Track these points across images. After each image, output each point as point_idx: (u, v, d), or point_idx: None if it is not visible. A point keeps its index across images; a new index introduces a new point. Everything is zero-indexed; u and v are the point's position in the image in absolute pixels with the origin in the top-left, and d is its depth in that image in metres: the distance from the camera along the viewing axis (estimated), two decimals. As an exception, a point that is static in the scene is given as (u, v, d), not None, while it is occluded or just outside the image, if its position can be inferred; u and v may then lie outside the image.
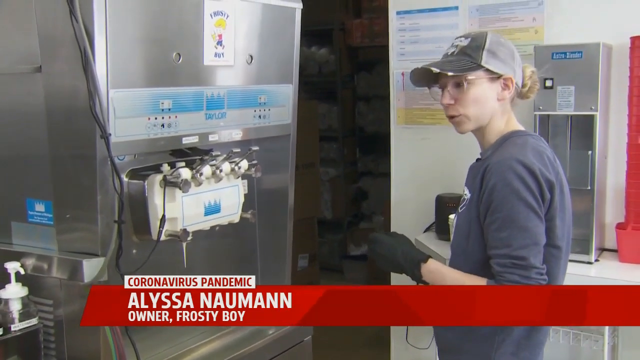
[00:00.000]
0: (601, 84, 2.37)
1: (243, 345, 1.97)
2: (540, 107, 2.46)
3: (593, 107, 2.37)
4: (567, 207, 1.73)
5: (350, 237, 6.01)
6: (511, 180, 1.60)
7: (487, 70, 1.69)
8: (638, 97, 2.39)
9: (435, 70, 1.69)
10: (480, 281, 1.65)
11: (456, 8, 2.83)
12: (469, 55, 1.69)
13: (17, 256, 1.63)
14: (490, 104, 1.72)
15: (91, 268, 1.52)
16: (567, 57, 2.38)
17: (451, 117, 1.75)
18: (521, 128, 1.78)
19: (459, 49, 1.71)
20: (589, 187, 2.43)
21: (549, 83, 2.42)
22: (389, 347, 3.31)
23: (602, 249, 2.59)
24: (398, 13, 2.99)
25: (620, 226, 2.51)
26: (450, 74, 1.69)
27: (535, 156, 1.64)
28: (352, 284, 5.36)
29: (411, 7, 2.95)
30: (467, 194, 1.76)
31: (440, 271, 1.74)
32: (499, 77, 1.70)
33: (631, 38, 2.40)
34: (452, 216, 1.89)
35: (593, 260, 2.47)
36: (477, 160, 1.80)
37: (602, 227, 2.58)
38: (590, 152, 2.40)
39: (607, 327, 2.49)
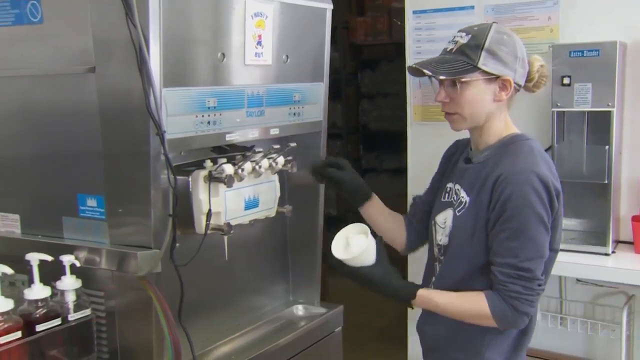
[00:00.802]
0: (617, 80, 2.45)
1: (275, 337, 2.04)
2: (558, 104, 2.54)
3: (610, 103, 2.45)
4: (561, 207, 1.71)
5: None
6: (528, 193, 1.58)
7: (484, 71, 1.63)
8: (653, 93, 2.47)
9: (427, 73, 1.65)
10: (477, 296, 1.64)
11: (472, 7, 2.90)
12: (466, 55, 1.63)
13: (69, 249, 1.68)
14: (486, 105, 1.67)
15: (146, 260, 1.58)
16: (585, 55, 2.46)
17: (446, 114, 1.72)
18: (516, 129, 1.75)
19: (458, 47, 1.65)
20: (606, 181, 2.51)
21: (566, 80, 2.49)
22: (399, 341, 3.38)
23: (617, 241, 2.67)
24: (414, 12, 3.05)
25: (635, 218, 2.59)
26: (442, 78, 1.66)
27: (545, 165, 1.64)
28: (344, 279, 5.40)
29: (427, 7, 3.02)
30: (464, 196, 1.71)
31: (434, 302, 1.70)
32: (496, 77, 1.65)
33: (646, 36, 2.49)
34: (440, 217, 1.78)
35: (610, 252, 2.55)
36: (467, 160, 1.76)
37: (618, 220, 2.66)
38: (607, 147, 2.48)
39: (624, 317, 2.57)
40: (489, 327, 1.67)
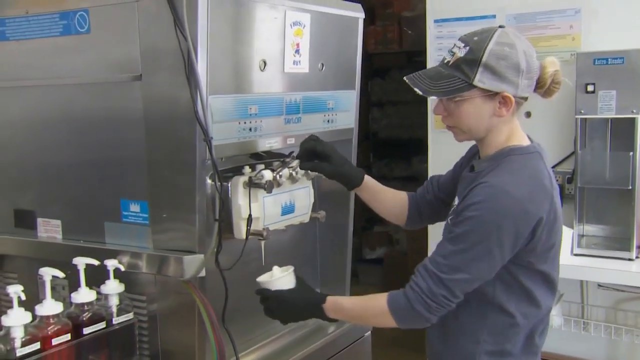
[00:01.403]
0: (642, 88, 2.50)
1: (307, 343, 2.06)
2: (582, 111, 2.57)
3: (635, 110, 2.49)
4: (559, 222, 1.60)
5: (365, 241, 6.09)
6: (487, 210, 1.49)
7: (481, 88, 1.54)
8: (675, 100, 2.50)
9: (419, 92, 1.58)
10: (381, 295, 1.61)
11: (494, 17, 2.94)
12: (462, 71, 1.53)
13: (112, 254, 1.71)
14: (485, 121, 1.58)
15: (191, 264, 1.61)
16: (609, 62, 2.50)
17: (447, 126, 1.66)
18: (523, 141, 1.63)
19: (454, 61, 1.55)
20: (630, 187, 2.53)
21: (590, 88, 2.53)
22: (408, 348, 3.33)
23: (639, 247, 2.70)
24: (436, 21, 3.09)
25: (658, 224, 2.62)
26: (433, 97, 1.59)
27: (529, 186, 1.53)
28: (368, 287, 5.41)
29: (449, 16, 3.05)
30: (455, 203, 1.69)
31: (339, 305, 1.69)
32: (496, 93, 1.54)
33: (667, 44, 2.52)
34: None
35: (634, 257, 2.57)
36: (471, 169, 1.69)
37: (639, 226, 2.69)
38: (631, 154, 2.51)
39: (648, 322, 2.60)
40: (476, 327, 1.61)
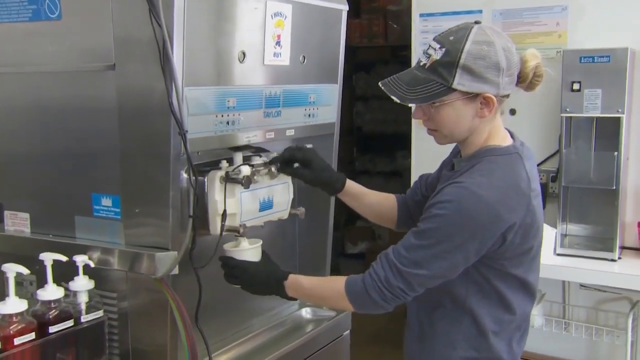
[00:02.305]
0: (627, 87, 2.46)
1: (284, 341, 2.01)
2: (567, 109, 2.54)
3: (620, 110, 2.46)
4: (536, 225, 1.55)
5: (347, 236, 6.06)
6: (453, 210, 1.45)
7: (461, 91, 1.48)
8: (661, 100, 2.48)
9: (396, 100, 1.52)
10: (340, 278, 1.60)
11: (480, 12, 2.90)
12: (439, 75, 1.47)
13: (82, 249, 1.65)
14: (466, 123, 1.53)
15: (163, 261, 1.55)
16: (595, 61, 2.47)
17: (427, 130, 1.60)
18: (504, 140, 1.57)
19: (431, 64, 1.48)
20: (614, 187, 2.51)
21: (576, 86, 2.50)
22: (387, 345, 3.33)
23: (622, 247, 2.68)
24: (421, 15, 3.05)
25: (642, 225, 2.61)
26: (410, 105, 1.54)
27: (503, 189, 1.47)
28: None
29: (434, 10, 3.01)
30: None
31: (299, 283, 1.67)
32: (477, 95, 1.49)
33: (655, 44, 2.50)
34: None
35: (617, 258, 2.55)
36: (452, 167, 1.66)
37: (623, 226, 2.67)
38: (616, 153, 2.49)
39: (629, 323, 2.58)
40: (450, 329, 1.58)
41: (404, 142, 4.79)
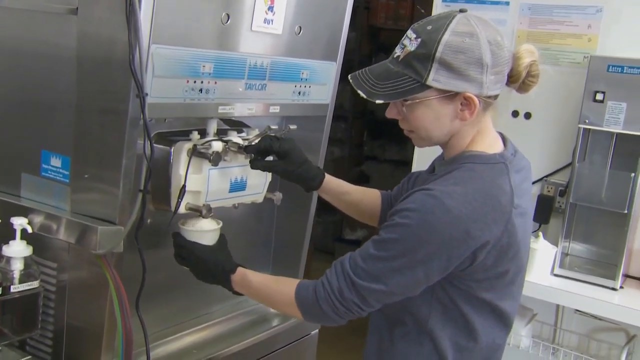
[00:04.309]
0: (655, 104, 2.26)
1: (246, 334, 1.88)
2: (587, 120, 2.33)
3: (644, 128, 2.25)
4: (516, 248, 1.35)
5: (347, 221, 5.91)
6: (419, 220, 1.28)
7: (437, 89, 1.30)
8: (688, 123, 2.27)
9: (363, 95, 1.34)
10: (292, 281, 1.44)
11: (507, 3, 2.68)
12: (412, 69, 1.29)
13: (24, 211, 1.49)
14: (444, 126, 1.35)
15: (107, 237, 1.39)
16: (624, 71, 2.25)
17: (405, 132, 1.43)
18: (490, 147, 1.39)
19: (404, 55, 1.31)
20: (626, 211, 2.31)
21: (599, 96, 2.29)
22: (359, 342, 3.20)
23: (625, 276, 2.49)
24: (444, 0, 2.83)
25: (650, 255, 2.41)
26: (378, 102, 1.33)
27: (478, 202, 1.28)
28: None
29: (459, -4, 2.80)
30: None
31: (247, 279, 1.51)
32: (457, 94, 1.31)
33: (692, 61, 2.27)
34: None
35: (618, 287, 2.36)
36: (433, 169, 1.50)
37: (630, 253, 2.48)
38: (633, 175, 2.28)
39: (623, 357, 2.40)
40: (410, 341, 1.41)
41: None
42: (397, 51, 1.34)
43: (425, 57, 1.28)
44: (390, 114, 1.40)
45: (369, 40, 6.12)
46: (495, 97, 1.36)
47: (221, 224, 1.63)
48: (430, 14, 2.62)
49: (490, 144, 1.38)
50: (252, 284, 1.51)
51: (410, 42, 1.31)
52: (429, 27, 1.30)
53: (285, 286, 1.44)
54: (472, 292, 1.35)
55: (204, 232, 1.59)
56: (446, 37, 1.27)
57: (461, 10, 1.32)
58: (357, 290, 1.32)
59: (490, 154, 1.37)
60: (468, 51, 1.27)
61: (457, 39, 1.27)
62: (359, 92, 1.35)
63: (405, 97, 1.32)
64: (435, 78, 1.28)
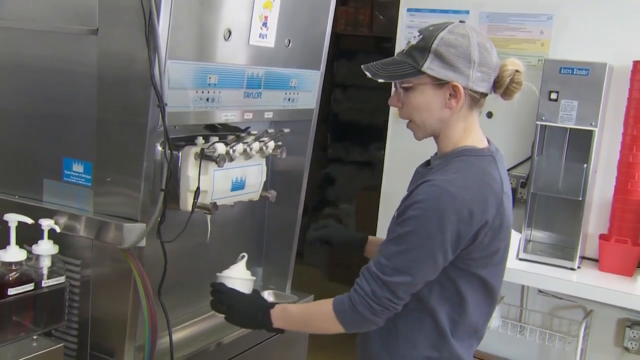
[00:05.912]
0: (602, 102, 2.50)
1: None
2: (543, 117, 2.57)
3: (593, 123, 2.50)
4: (505, 227, 1.56)
5: (314, 222, 6.04)
6: (431, 209, 1.45)
7: (431, 76, 1.50)
8: (634, 118, 2.52)
9: (368, 75, 1.57)
10: (326, 303, 1.57)
11: (467, 12, 2.91)
12: (412, 58, 1.52)
13: (49, 213, 1.63)
14: (435, 112, 1.54)
15: (132, 233, 1.54)
16: (574, 73, 2.50)
17: (407, 125, 1.62)
18: (479, 143, 1.58)
19: (408, 48, 1.55)
20: (581, 198, 2.56)
21: (554, 96, 2.53)
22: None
23: (583, 257, 2.73)
24: (409, 10, 3.04)
25: (603, 237, 2.65)
26: (380, 80, 1.56)
27: (476, 187, 1.49)
28: (311, 268, 5.40)
29: (423, 6, 3.01)
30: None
31: (288, 310, 1.64)
32: (446, 83, 1.51)
33: (634, 62, 2.53)
34: None
35: (576, 267, 2.61)
36: (427, 164, 1.66)
37: (585, 237, 2.72)
38: (585, 165, 2.53)
39: (581, 331, 2.64)
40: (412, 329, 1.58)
41: (378, 134, 4.80)
42: (403, 46, 1.59)
43: (423, 48, 1.51)
44: (391, 101, 1.61)
45: (330, 46, 6.30)
46: (482, 95, 1.55)
47: (254, 279, 1.82)
48: (390, 21, 2.78)
49: (479, 140, 1.59)
50: (293, 313, 1.64)
51: (414, 38, 1.55)
52: (431, 28, 1.54)
53: (322, 306, 1.58)
54: (470, 270, 1.53)
55: (245, 280, 1.75)
56: (443, 33, 1.50)
57: (461, 21, 1.56)
58: (387, 287, 1.47)
59: (480, 148, 1.57)
60: (459, 47, 1.49)
61: (452, 36, 1.50)
62: (367, 73, 1.57)
63: (402, 79, 1.54)
64: (429, 66, 1.50)
